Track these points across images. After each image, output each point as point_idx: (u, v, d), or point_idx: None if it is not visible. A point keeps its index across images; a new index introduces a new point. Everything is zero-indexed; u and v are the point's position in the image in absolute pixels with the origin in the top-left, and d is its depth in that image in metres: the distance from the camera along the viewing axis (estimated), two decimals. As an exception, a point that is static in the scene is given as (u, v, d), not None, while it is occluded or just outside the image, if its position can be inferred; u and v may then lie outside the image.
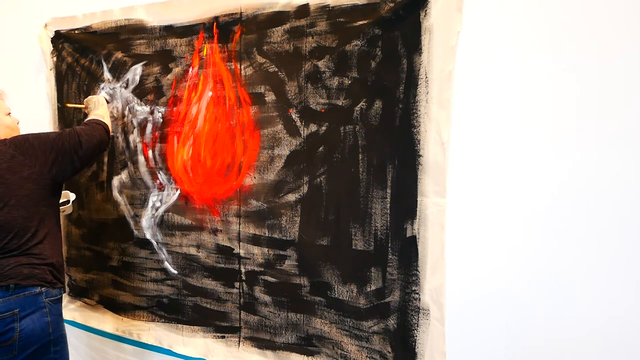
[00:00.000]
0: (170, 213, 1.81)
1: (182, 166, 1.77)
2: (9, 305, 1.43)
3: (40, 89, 2.12)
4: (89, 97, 1.89)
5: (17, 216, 1.47)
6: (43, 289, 1.49)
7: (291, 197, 1.56)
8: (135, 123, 1.86)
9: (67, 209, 1.90)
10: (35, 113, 2.10)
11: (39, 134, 1.57)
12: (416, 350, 1.40)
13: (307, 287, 1.56)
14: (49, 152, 1.53)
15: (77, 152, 1.58)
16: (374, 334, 1.47)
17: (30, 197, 1.49)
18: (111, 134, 1.80)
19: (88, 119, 1.76)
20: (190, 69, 1.73)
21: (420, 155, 1.36)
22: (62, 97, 2.06)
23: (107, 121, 1.77)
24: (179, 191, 1.79)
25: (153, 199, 1.84)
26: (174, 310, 1.85)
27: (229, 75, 1.65)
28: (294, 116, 1.54)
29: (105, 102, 1.87)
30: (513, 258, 1.28)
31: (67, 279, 2.12)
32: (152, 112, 1.82)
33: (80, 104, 1.94)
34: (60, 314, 1.56)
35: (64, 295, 2.10)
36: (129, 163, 1.89)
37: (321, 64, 1.48)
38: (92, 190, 2.00)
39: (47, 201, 1.55)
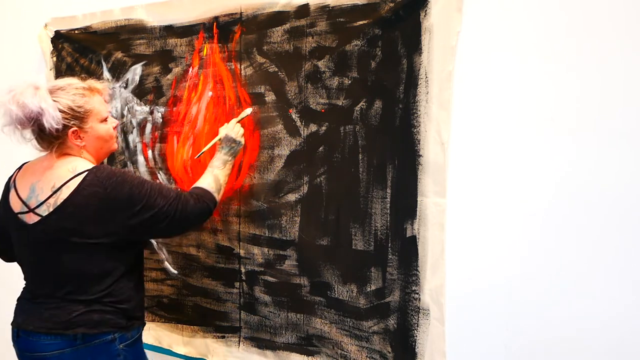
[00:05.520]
0: (170, 213, 1.81)
1: (182, 166, 1.77)
2: (78, 355, 1.27)
3: (40, 89, 2.12)
4: (226, 129, 1.53)
5: (88, 268, 1.29)
6: (117, 334, 1.32)
7: (291, 197, 1.56)
8: (134, 123, 1.86)
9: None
10: (35, 113, 2.09)
11: (142, 189, 1.29)
12: (416, 350, 1.40)
13: (307, 287, 1.56)
14: (136, 215, 1.28)
15: (159, 224, 1.32)
16: (374, 334, 1.47)
17: (108, 251, 1.32)
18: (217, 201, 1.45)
19: (203, 183, 1.42)
20: (190, 69, 1.73)
21: (420, 155, 1.36)
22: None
23: (222, 183, 1.45)
24: (179, 191, 1.79)
25: (153, 199, 1.84)
26: (174, 310, 1.85)
27: (229, 75, 1.65)
28: (294, 116, 1.54)
29: (242, 142, 1.53)
30: (513, 258, 1.28)
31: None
32: (151, 112, 1.82)
33: (214, 137, 1.58)
34: (140, 353, 1.43)
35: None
36: (128, 163, 1.89)
37: (321, 64, 1.48)
38: (92, 190, 2.00)
39: (126, 252, 1.37)
